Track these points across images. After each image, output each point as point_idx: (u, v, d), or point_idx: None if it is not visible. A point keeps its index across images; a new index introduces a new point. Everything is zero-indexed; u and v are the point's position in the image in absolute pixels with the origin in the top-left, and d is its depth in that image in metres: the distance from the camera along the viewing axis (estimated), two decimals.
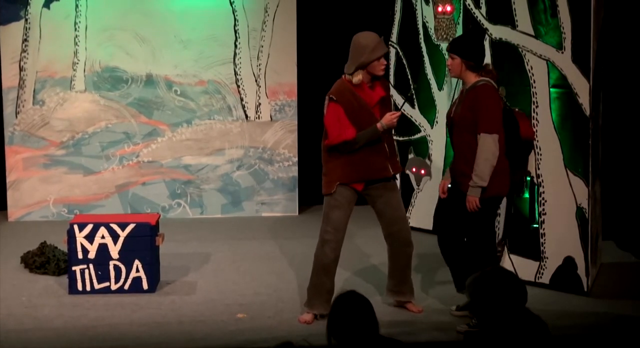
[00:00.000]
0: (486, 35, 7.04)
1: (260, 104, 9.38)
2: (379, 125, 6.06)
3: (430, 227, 8.65)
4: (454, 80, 8.29)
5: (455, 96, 8.31)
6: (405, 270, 6.41)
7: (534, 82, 6.82)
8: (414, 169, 8.82)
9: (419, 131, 8.71)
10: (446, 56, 8.40)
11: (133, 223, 6.86)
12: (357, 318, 3.96)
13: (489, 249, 6.11)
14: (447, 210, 6.27)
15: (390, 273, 6.46)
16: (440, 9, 8.40)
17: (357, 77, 6.09)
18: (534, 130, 6.76)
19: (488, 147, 5.88)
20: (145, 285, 6.85)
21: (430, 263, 7.49)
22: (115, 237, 6.83)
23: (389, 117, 6.07)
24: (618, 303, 6.63)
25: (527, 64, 6.84)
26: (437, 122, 8.56)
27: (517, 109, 6.25)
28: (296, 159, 9.44)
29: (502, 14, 6.95)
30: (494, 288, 4.02)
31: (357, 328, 3.95)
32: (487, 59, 6.95)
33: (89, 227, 6.82)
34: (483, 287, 4.04)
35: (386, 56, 6.17)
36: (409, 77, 8.73)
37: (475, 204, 5.94)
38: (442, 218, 6.35)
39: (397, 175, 6.66)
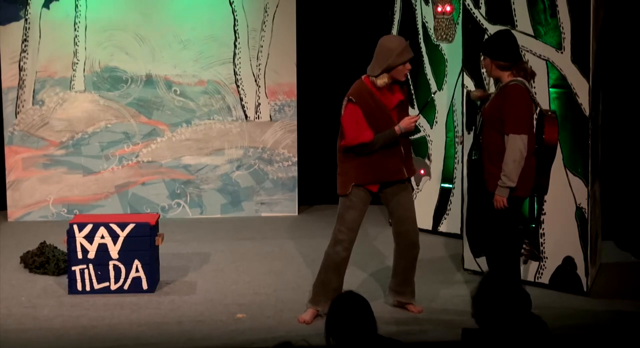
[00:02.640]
0: (485, 35, 7.03)
1: (259, 104, 9.38)
2: (397, 128, 6.09)
3: (429, 227, 8.64)
4: (454, 80, 8.32)
5: (455, 99, 8.35)
6: (408, 272, 6.42)
7: (534, 82, 6.81)
8: None
9: (418, 131, 8.71)
10: (446, 56, 8.47)
11: (132, 223, 6.86)
12: (355, 318, 3.96)
13: (510, 249, 6.08)
14: (476, 209, 6.20)
15: (394, 272, 6.47)
16: (439, 9, 8.40)
17: (382, 80, 6.11)
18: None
19: (516, 147, 5.85)
20: (144, 285, 6.85)
21: (430, 263, 7.49)
22: (114, 237, 6.83)
23: (408, 121, 6.10)
24: (618, 303, 6.63)
25: (527, 64, 6.83)
26: (436, 122, 8.56)
27: (550, 113, 6.17)
28: (296, 159, 9.43)
29: (502, 14, 6.95)
30: (496, 296, 4.02)
31: (355, 328, 3.95)
32: None
33: (89, 227, 6.82)
34: (485, 293, 4.04)
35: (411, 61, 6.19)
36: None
37: (503, 204, 5.93)
38: (471, 218, 6.30)
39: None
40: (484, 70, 6.17)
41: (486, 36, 7.04)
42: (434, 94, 8.54)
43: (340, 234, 6.23)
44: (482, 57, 6.13)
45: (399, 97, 6.20)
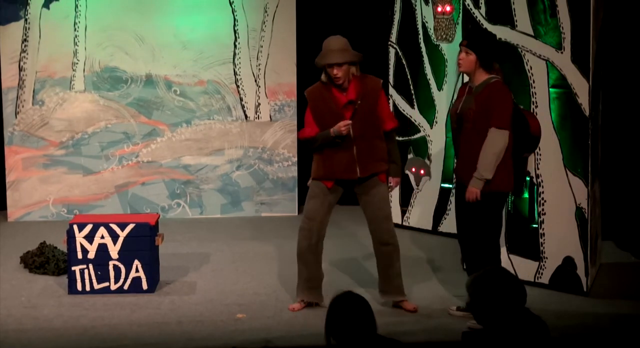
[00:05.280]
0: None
1: (259, 104, 9.39)
2: (331, 130, 6.20)
3: (429, 227, 8.64)
4: (454, 80, 8.31)
5: (455, 94, 8.33)
6: (386, 269, 6.44)
7: (534, 82, 6.82)
8: (413, 169, 8.82)
9: (419, 131, 8.71)
10: (446, 56, 8.45)
11: (132, 223, 6.86)
12: (354, 318, 3.96)
13: (493, 246, 6.12)
14: (462, 212, 6.25)
15: (378, 271, 6.53)
16: (439, 9, 8.40)
17: (323, 75, 6.28)
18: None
19: (499, 141, 5.93)
20: (144, 285, 6.85)
21: (430, 263, 7.49)
22: (114, 237, 6.83)
23: (338, 125, 6.17)
24: (618, 303, 6.63)
25: (527, 64, 6.83)
26: (436, 122, 8.56)
27: (522, 107, 6.30)
28: (295, 159, 9.44)
29: (502, 14, 6.95)
30: (493, 288, 4.02)
31: (354, 328, 3.95)
32: None
33: (89, 227, 6.82)
34: (482, 287, 4.04)
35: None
36: (409, 77, 8.74)
37: (476, 196, 5.97)
38: (459, 221, 6.36)
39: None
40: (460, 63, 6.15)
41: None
42: (434, 94, 8.55)
43: (302, 223, 6.40)
44: (464, 52, 6.10)
45: (350, 96, 6.23)
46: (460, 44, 6.17)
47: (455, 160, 6.36)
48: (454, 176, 6.31)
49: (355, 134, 6.21)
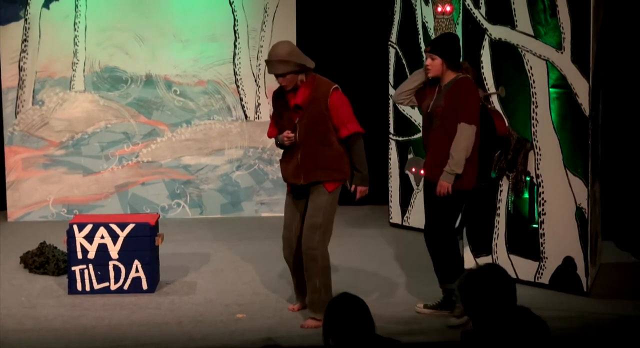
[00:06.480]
0: (485, 36, 7.04)
1: (259, 104, 9.38)
2: (279, 137, 6.23)
3: None
4: None
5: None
6: (306, 281, 6.20)
7: (534, 82, 6.82)
8: (413, 169, 8.82)
9: (419, 131, 8.70)
10: None
11: (132, 223, 6.86)
12: (352, 319, 3.96)
13: (451, 239, 6.23)
14: (428, 206, 6.33)
15: None
16: (439, 9, 8.39)
17: (278, 81, 6.25)
18: (534, 130, 6.78)
19: (468, 136, 5.99)
20: (144, 286, 6.85)
21: (428, 264, 7.48)
22: (114, 237, 6.83)
23: (283, 134, 6.17)
24: (618, 303, 6.63)
25: (527, 64, 6.83)
26: None
27: (490, 106, 6.34)
28: None
29: (502, 14, 6.95)
30: (482, 284, 4.02)
31: (352, 329, 3.95)
32: (487, 59, 6.98)
33: (89, 227, 6.82)
34: (472, 284, 4.04)
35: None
36: (409, 77, 8.71)
37: (447, 190, 6.03)
38: (426, 215, 6.42)
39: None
40: (429, 69, 6.20)
41: (486, 36, 7.04)
42: None
43: (282, 231, 6.35)
44: (429, 58, 6.15)
45: (297, 100, 6.16)
46: (425, 51, 6.25)
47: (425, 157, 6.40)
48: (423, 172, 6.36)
49: (300, 140, 6.12)
